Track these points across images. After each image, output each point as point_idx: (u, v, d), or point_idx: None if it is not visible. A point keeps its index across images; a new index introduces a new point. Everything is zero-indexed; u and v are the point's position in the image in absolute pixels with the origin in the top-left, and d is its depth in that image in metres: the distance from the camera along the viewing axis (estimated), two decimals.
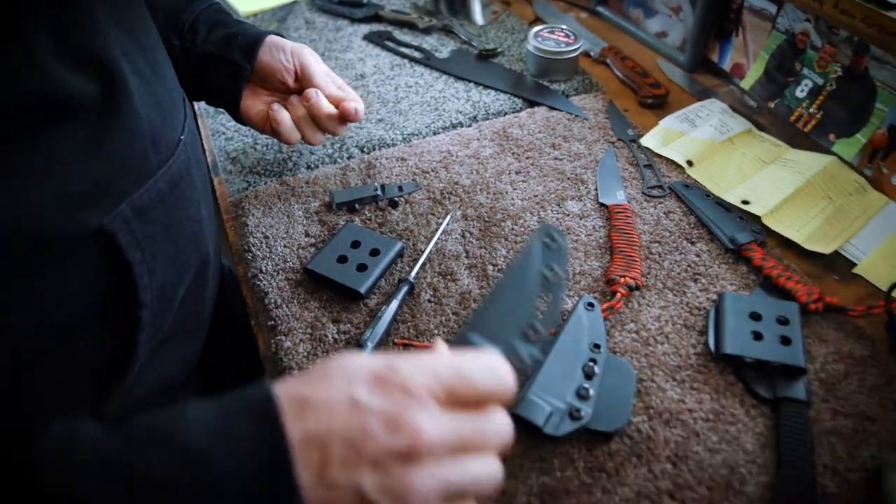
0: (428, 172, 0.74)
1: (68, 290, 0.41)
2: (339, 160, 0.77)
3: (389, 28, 1.03)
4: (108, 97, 0.42)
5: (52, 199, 0.38)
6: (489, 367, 0.36)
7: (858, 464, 0.48)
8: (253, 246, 0.67)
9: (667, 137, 0.79)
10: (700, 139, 0.77)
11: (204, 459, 0.30)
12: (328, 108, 0.67)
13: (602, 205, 0.70)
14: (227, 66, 0.68)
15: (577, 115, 0.82)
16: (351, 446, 0.32)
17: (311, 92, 0.67)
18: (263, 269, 0.64)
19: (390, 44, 0.98)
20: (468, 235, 0.67)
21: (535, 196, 0.71)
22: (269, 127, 0.69)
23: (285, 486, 0.30)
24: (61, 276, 0.41)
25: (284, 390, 0.33)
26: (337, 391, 0.33)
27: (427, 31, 1.01)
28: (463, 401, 0.35)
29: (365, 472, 0.31)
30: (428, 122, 0.82)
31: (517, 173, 0.74)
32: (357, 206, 0.70)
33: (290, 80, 0.69)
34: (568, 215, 0.69)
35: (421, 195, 0.72)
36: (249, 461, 0.31)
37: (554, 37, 0.88)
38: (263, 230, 0.68)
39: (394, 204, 0.70)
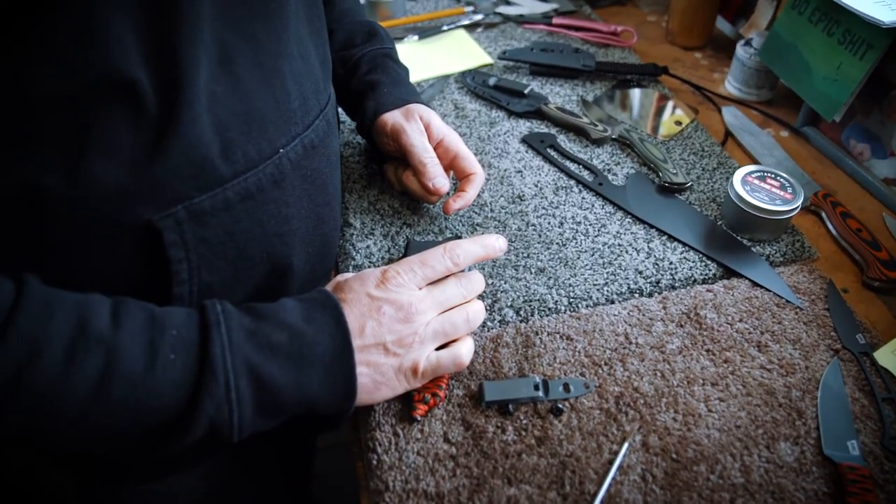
0: (600, 366, 0.60)
1: (112, 267, 0.47)
2: (489, 324, 0.64)
3: (553, 130, 0.88)
4: (167, 98, 0.42)
5: (112, 190, 0.43)
6: (441, 256, 0.56)
7: None
8: (378, 443, 0.55)
9: None
10: None
11: (303, 335, 0.48)
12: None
13: (827, 458, 0.54)
14: (361, 113, 0.75)
15: (787, 301, 0.66)
16: (374, 321, 0.52)
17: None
18: (391, 484, 0.52)
19: (553, 153, 0.83)
20: (650, 479, 0.52)
21: (738, 427, 0.55)
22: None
23: (346, 349, 0.49)
24: (108, 255, 0.46)
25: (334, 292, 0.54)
26: (357, 293, 0.53)
27: (599, 142, 0.86)
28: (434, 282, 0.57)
29: (385, 333, 0.52)
30: (600, 282, 0.67)
31: (713, 385, 0.58)
32: (511, 406, 0.56)
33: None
34: (781, 467, 0.53)
35: (591, 401, 0.57)
36: (328, 340, 0.49)
37: (766, 187, 0.71)
38: (393, 419, 0.56)
39: (557, 411, 0.56)
